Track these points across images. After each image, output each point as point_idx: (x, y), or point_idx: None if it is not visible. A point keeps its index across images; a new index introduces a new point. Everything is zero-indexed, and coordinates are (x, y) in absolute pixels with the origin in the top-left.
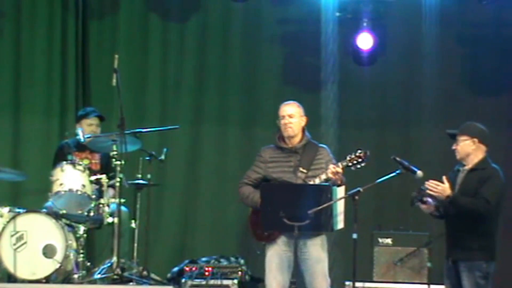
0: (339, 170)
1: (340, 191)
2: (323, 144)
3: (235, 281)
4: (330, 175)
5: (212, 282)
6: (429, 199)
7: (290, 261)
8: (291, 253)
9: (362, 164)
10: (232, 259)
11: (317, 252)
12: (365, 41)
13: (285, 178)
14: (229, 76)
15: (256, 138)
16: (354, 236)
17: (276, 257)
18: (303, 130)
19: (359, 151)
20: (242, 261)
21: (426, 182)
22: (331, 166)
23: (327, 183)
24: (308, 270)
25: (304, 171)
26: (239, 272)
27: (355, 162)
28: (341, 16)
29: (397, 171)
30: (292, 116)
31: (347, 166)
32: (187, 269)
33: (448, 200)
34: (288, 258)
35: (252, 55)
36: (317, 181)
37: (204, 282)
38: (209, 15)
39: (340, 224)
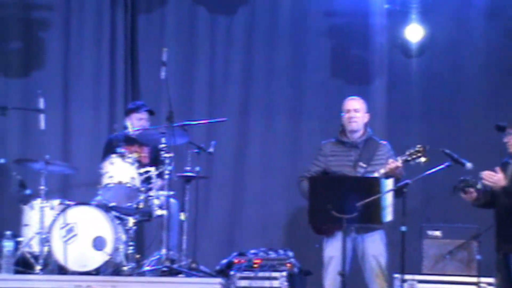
0: (399, 164)
1: (389, 184)
2: (384, 140)
3: (284, 273)
4: (389, 170)
5: (260, 274)
6: (471, 189)
7: (347, 256)
8: (349, 247)
9: (422, 159)
10: (281, 251)
11: (375, 247)
12: (413, 33)
13: (345, 172)
14: (277, 68)
15: (303, 130)
16: (403, 228)
17: (334, 251)
18: (365, 126)
19: (418, 145)
20: (290, 254)
21: (481, 172)
22: (390, 160)
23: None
24: (366, 265)
25: (364, 165)
26: (288, 265)
27: (414, 156)
28: (389, 8)
29: (446, 164)
30: (357, 111)
31: (406, 160)
32: (235, 261)
33: (503, 191)
34: (346, 252)
35: (300, 47)
36: (376, 175)
37: (252, 274)
38: (256, 7)
39: (388, 216)
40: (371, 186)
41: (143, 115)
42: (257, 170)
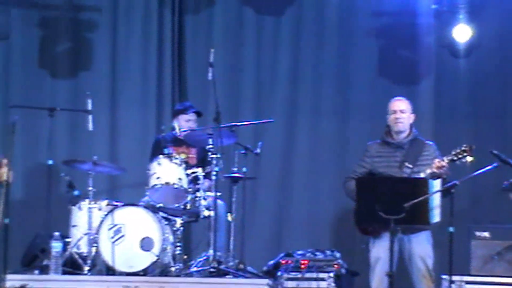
0: (444, 164)
1: (436, 184)
2: (430, 140)
3: (331, 274)
4: (435, 170)
5: (308, 275)
6: None
7: (394, 257)
8: (395, 248)
9: (468, 159)
10: (328, 252)
11: (421, 248)
12: (461, 33)
13: (391, 172)
14: (324, 69)
15: (350, 131)
16: (451, 229)
17: (381, 252)
18: (411, 126)
19: (464, 145)
20: (337, 255)
21: None
22: (436, 160)
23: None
24: (413, 266)
25: (410, 166)
26: (335, 266)
27: (460, 156)
28: (437, 8)
29: (494, 164)
30: (403, 112)
31: (452, 160)
32: (283, 262)
33: None
34: (393, 253)
35: (347, 48)
36: (422, 175)
37: (300, 275)
38: (303, 8)
39: (436, 217)
40: (418, 186)
41: (191, 116)
42: (304, 170)
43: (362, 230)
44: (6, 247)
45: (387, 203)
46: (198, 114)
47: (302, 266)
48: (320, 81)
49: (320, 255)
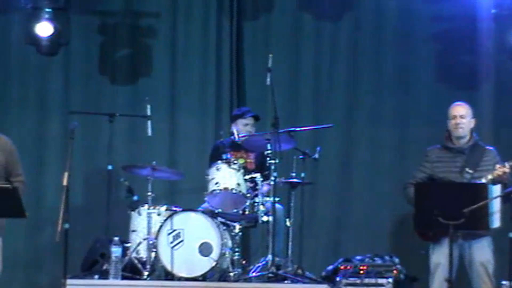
0: (506, 170)
1: (496, 189)
2: (490, 146)
3: (390, 280)
4: (497, 175)
5: (366, 280)
6: None
7: (454, 263)
8: (455, 254)
9: None
10: (387, 257)
11: (482, 254)
12: None
13: (451, 178)
14: (382, 74)
15: (409, 136)
16: (511, 235)
17: (441, 257)
18: (472, 131)
19: None
20: (396, 260)
21: None
22: (497, 166)
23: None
24: (473, 272)
25: (471, 171)
26: (394, 271)
27: None
28: (496, 12)
29: None
30: (464, 117)
31: None
32: (341, 267)
33: None
34: (453, 259)
35: (405, 53)
36: (483, 181)
37: (358, 281)
38: (362, 13)
39: (496, 222)
40: (478, 192)
41: (249, 120)
42: (362, 176)
43: (422, 236)
44: (66, 252)
45: (447, 208)
46: (256, 118)
47: (361, 272)
48: (378, 86)
49: (379, 261)
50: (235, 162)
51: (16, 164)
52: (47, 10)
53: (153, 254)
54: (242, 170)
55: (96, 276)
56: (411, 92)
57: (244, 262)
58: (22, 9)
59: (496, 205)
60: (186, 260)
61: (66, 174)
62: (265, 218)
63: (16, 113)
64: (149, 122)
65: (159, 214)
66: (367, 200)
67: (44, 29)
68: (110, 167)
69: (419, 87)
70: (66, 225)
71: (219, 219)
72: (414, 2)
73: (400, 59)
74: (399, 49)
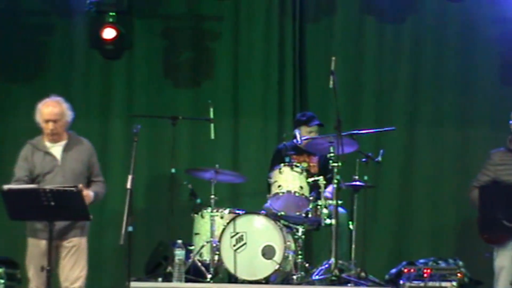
0: None
1: None
2: None
3: (454, 283)
4: None
5: (430, 284)
6: None
7: None
8: None
9: None
10: (451, 261)
11: None
12: None
13: None
14: (445, 77)
15: (472, 139)
16: None
17: (505, 261)
18: None
19: None
20: (461, 263)
21: None
22: None
23: None
24: None
25: None
26: (458, 274)
27: None
28: None
29: None
30: None
31: None
32: (405, 270)
33: None
34: None
35: (468, 55)
36: None
37: (422, 284)
38: (424, 15)
39: None
40: None
41: (313, 128)
42: (425, 179)
43: (486, 239)
44: (130, 255)
45: (511, 211)
46: (320, 125)
47: (425, 275)
48: (441, 88)
49: (442, 264)
50: (298, 165)
51: (97, 165)
52: (111, 14)
53: (216, 257)
54: (304, 173)
55: (160, 279)
56: (474, 94)
57: (307, 265)
58: (86, 13)
59: None
60: (249, 263)
61: (130, 177)
62: (328, 221)
63: (79, 116)
64: (212, 125)
65: (222, 217)
66: (430, 203)
67: (108, 33)
68: (173, 170)
69: (482, 89)
70: (130, 228)
71: (282, 222)
72: (477, 4)
73: (462, 61)
74: (461, 51)
